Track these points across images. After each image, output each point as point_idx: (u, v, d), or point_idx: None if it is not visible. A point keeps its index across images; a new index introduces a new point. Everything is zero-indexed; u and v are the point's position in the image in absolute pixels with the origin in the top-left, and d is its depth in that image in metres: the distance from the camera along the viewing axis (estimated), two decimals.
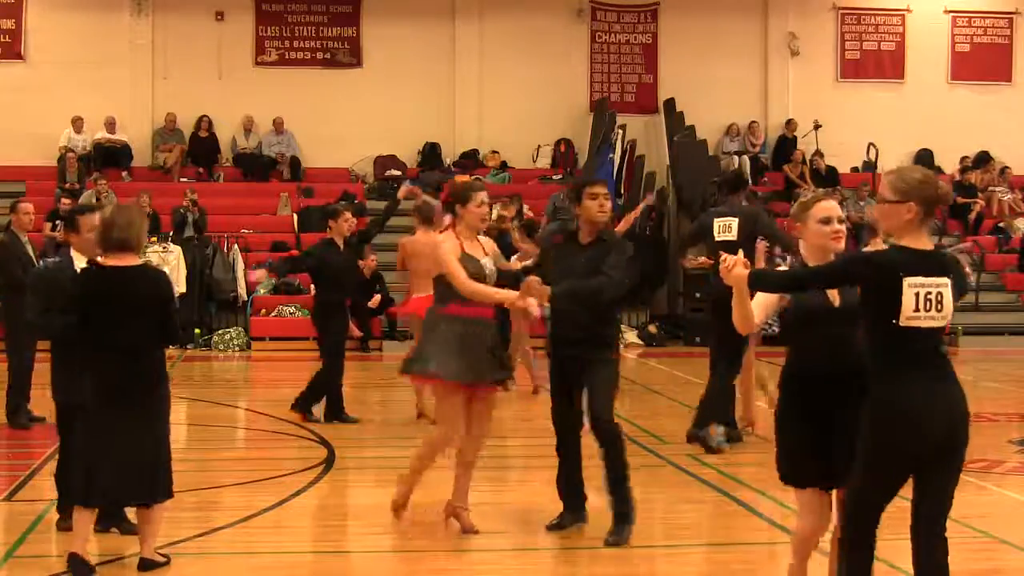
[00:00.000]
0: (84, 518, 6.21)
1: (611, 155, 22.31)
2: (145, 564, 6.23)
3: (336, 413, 11.20)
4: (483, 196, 6.98)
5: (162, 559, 6.33)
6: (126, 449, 6.10)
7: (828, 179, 23.27)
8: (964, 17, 25.34)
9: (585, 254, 6.89)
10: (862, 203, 22.15)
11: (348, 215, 11.41)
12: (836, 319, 4.94)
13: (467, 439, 7.00)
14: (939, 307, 4.53)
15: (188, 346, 18.25)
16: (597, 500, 7.16)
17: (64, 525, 6.79)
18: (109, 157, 22.43)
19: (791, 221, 5.20)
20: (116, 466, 6.09)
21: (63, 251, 7.17)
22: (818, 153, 23.58)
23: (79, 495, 6.21)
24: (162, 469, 6.27)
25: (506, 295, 6.76)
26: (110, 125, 22.52)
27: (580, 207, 6.98)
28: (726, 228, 9.93)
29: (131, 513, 6.77)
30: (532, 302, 6.60)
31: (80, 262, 6.82)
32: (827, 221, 5.01)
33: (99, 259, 6.29)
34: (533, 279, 6.67)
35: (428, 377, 6.99)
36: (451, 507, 7.05)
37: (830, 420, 4.89)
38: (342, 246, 11.22)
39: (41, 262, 10.24)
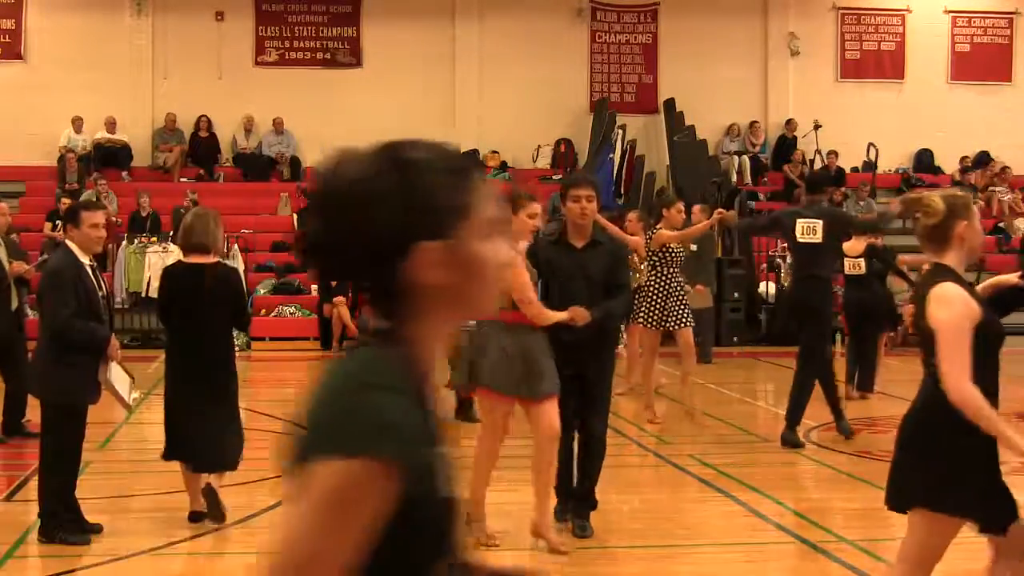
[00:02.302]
0: (187, 479, 7.17)
1: (611, 155, 22.31)
2: (208, 490, 7.14)
3: None
4: (535, 207, 6.80)
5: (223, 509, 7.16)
6: (202, 422, 6.94)
7: (835, 179, 23.26)
8: (964, 17, 25.33)
9: (580, 257, 6.84)
10: (862, 203, 22.16)
11: None
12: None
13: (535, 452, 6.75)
14: None
15: None
16: (603, 500, 7.17)
17: (44, 542, 6.71)
18: (109, 157, 22.42)
19: (935, 217, 4.41)
20: (193, 437, 6.96)
21: (62, 247, 6.98)
22: (832, 152, 23.49)
23: (173, 454, 7.16)
24: (233, 440, 7.13)
25: (560, 315, 6.59)
26: (110, 125, 22.51)
27: (565, 208, 6.92)
28: (810, 230, 9.87)
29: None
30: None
31: (83, 257, 6.80)
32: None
33: (182, 258, 7.27)
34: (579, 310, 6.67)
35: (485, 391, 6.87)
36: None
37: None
38: None
39: (42, 261, 10.06)
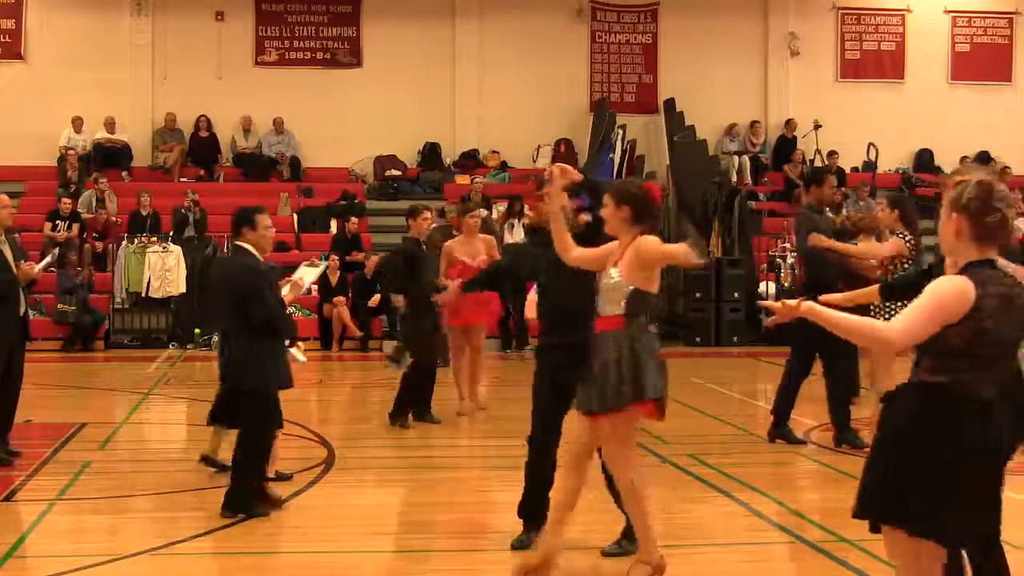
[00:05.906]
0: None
1: (611, 155, 22.32)
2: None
3: (424, 412, 11.10)
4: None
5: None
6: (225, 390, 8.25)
7: (837, 180, 23.25)
8: (964, 17, 25.34)
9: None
10: (862, 203, 22.16)
11: (428, 214, 11.43)
12: None
13: None
14: None
15: (188, 346, 18.25)
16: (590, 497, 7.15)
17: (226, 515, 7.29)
18: (109, 157, 22.42)
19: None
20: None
21: (239, 249, 7.57)
22: (832, 153, 23.48)
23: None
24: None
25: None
26: (110, 125, 22.50)
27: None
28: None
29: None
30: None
31: (260, 257, 7.49)
32: None
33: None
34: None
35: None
36: None
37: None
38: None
39: (47, 264, 10.01)
